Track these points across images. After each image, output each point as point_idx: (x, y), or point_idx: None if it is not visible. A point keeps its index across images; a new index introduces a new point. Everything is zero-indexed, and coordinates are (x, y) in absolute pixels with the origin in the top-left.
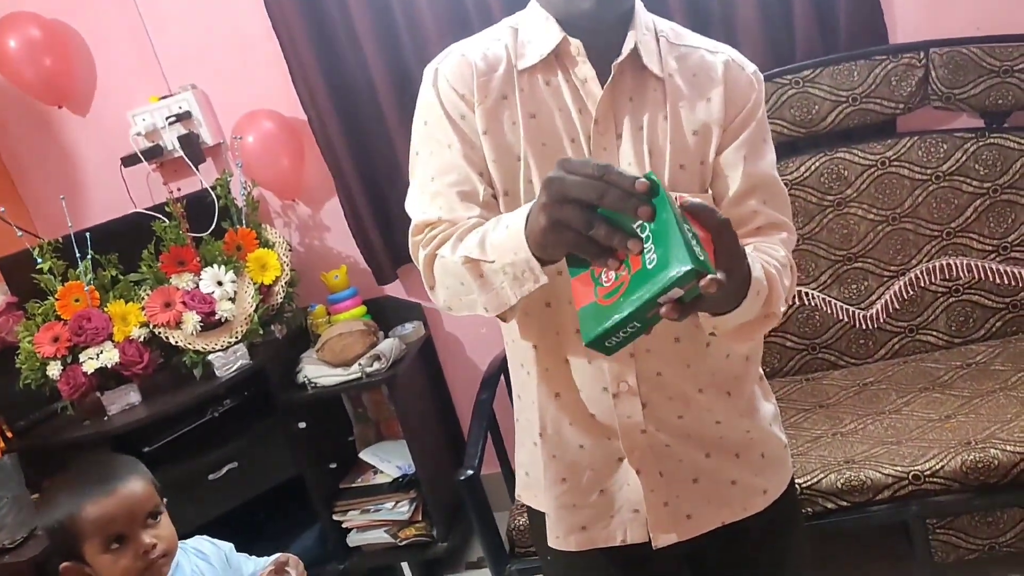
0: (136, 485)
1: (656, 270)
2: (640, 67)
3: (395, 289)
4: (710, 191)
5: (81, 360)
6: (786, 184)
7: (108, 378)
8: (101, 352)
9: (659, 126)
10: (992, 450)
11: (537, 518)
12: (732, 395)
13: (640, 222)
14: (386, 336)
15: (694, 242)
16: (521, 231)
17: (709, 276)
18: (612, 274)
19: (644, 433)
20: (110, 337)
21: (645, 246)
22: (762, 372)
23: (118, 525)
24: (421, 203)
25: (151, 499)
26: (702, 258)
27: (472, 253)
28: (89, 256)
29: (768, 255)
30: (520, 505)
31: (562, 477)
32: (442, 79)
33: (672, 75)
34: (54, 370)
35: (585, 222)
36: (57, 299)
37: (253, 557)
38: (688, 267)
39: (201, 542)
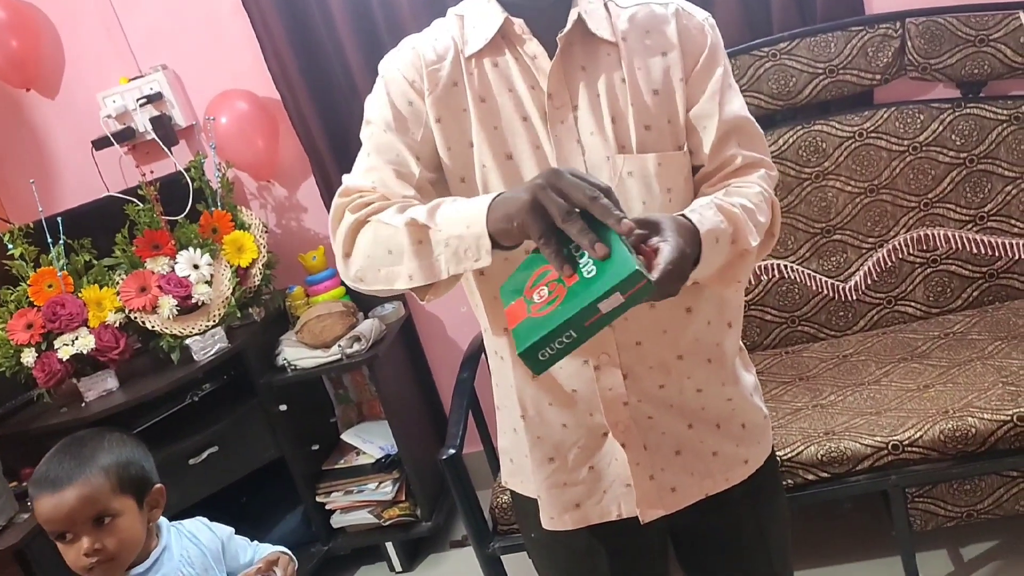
0: (85, 488)
1: (596, 277)
2: (589, 35)
3: None
4: (685, 146)
5: (56, 347)
6: None
7: (84, 364)
8: (76, 338)
9: (618, 90)
10: (969, 419)
11: (523, 503)
12: (713, 362)
13: (574, 244)
14: (366, 317)
15: (632, 254)
16: (484, 208)
17: (647, 278)
18: (545, 291)
19: (626, 405)
20: (85, 323)
21: (580, 261)
22: (742, 344)
23: (58, 526)
24: (356, 173)
25: (97, 504)
26: (640, 268)
27: (419, 218)
28: (61, 241)
29: (739, 195)
30: (504, 487)
31: (549, 457)
32: (392, 69)
33: (625, 37)
34: (28, 357)
35: (565, 212)
36: (29, 285)
37: (255, 543)
38: (634, 268)
39: (198, 526)
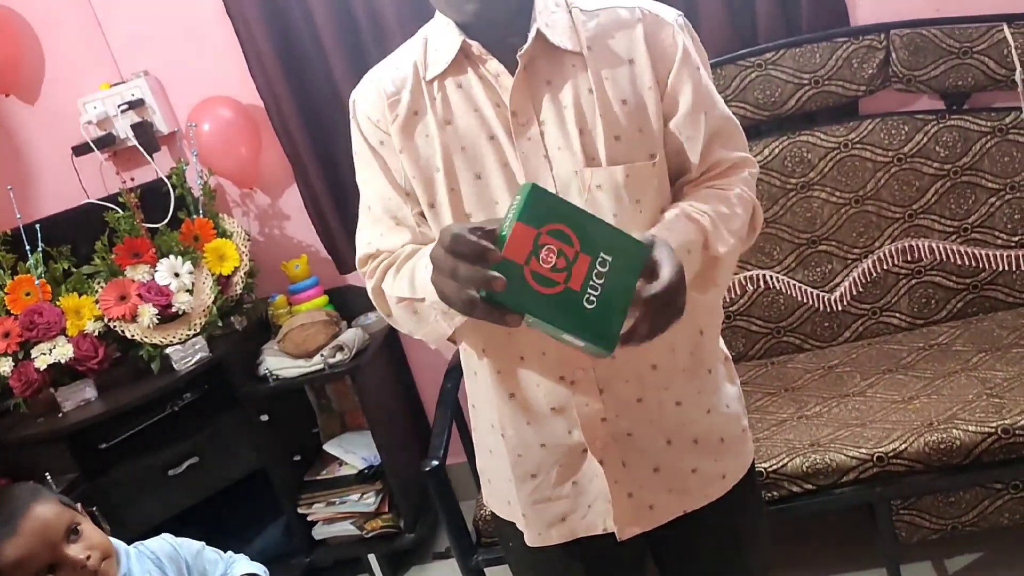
0: (41, 511)
1: (587, 317)
2: (551, 48)
3: (357, 278)
4: (658, 156)
5: (33, 356)
6: None
7: (62, 374)
8: (54, 347)
9: (584, 101)
10: (954, 431)
11: (502, 524)
12: (688, 371)
13: (608, 259)
14: (349, 326)
15: (622, 319)
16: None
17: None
18: (553, 260)
19: (604, 422)
20: (63, 332)
21: (594, 281)
22: (728, 354)
23: (41, 558)
24: (364, 233)
25: (62, 517)
26: (621, 332)
27: (404, 292)
28: (40, 248)
29: (715, 199)
30: (486, 510)
31: (531, 474)
32: (359, 110)
33: (590, 45)
34: (5, 366)
35: (467, 304)
36: (7, 293)
37: (227, 555)
38: (607, 351)
39: (161, 544)
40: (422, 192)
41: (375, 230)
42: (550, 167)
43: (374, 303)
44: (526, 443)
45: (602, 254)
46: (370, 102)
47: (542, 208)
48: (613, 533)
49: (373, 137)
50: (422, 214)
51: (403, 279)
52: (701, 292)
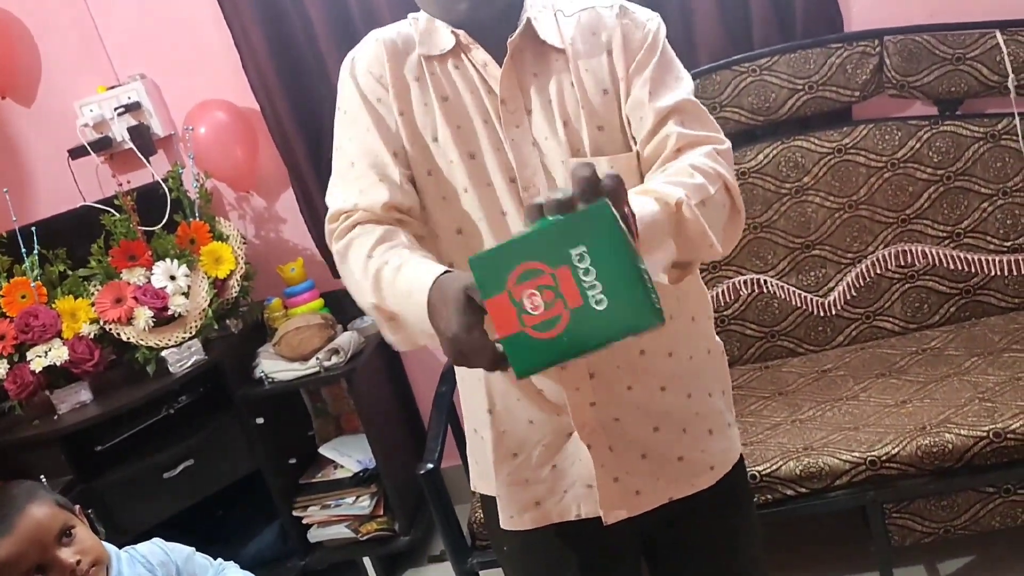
0: (35, 511)
1: (610, 315)
2: (538, 42)
3: None
4: (634, 145)
5: (28, 358)
6: (743, 172)
7: (57, 376)
8: (49, 350)
9: (568, 94)
10: (946, 435)
11: (490, 504)
12: (673, 355)
13: (581, 251)
14: (344, 329)
15: (646, 276)
16: (424, 309)
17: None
18: (539, 301)
19: (593, 406)
20: (59, 334)
21: (586, 281)
22: (723, 348)
23: (31, 557)
24: (340, 189)
25: (56, 519)
26: (655, 298)
27: (381, 302)
28: (36, 251)
29: (658, 178)
30: (477, 496)
31: (513, 452)
32: (359, 65)
33: (573, 42)
34: (0, 369)
35: (491, 364)
36: (2, 296)
37: (218, 562)
38: (658, 322)
39: (152, 548)
40: (418, 157)
41: (355, 186)
42: (539, 154)
43: (337, 265)
44: (514, 418)
45: (572, 252)
46: (372, 57)
47: (492, 270)
48: (607, 526)
49: (372, 92)
50: (409, 178)
51: (379, 282)
52: (688, 254)
